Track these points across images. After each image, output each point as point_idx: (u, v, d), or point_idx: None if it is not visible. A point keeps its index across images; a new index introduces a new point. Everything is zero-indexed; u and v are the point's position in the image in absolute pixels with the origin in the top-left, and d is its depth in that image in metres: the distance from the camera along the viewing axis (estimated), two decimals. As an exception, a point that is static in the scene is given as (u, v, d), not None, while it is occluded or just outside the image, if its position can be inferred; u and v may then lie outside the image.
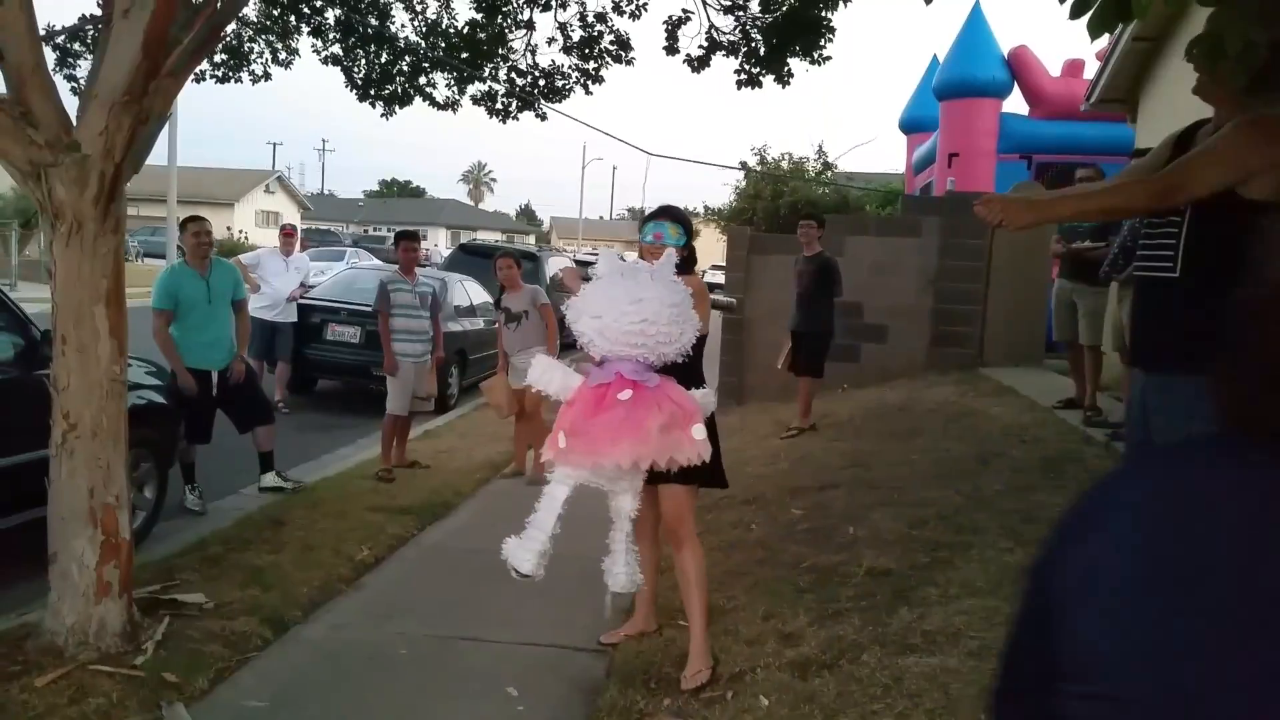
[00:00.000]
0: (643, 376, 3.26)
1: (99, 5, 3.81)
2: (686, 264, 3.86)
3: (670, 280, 3.36)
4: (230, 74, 8.96)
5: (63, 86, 7.63)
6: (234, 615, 4.12)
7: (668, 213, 3.93)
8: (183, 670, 3.61)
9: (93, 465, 3.64)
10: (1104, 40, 9.69)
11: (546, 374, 3.37)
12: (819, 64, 8.28)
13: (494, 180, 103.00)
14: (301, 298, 10.09)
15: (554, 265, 17.29)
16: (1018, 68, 13.96)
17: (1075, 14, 2.37)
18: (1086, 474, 5.24)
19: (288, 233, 10.35)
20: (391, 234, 7.54)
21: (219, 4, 4.12)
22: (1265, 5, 2.17)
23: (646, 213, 3.99)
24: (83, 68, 7.68)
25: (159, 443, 5.51)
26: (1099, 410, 6.87)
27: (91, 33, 7.59)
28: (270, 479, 6.41)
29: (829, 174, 27.52)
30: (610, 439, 3.15)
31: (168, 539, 5.30)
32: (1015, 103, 14.28)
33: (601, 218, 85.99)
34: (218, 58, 8.73)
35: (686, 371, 3.58)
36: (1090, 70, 12.06)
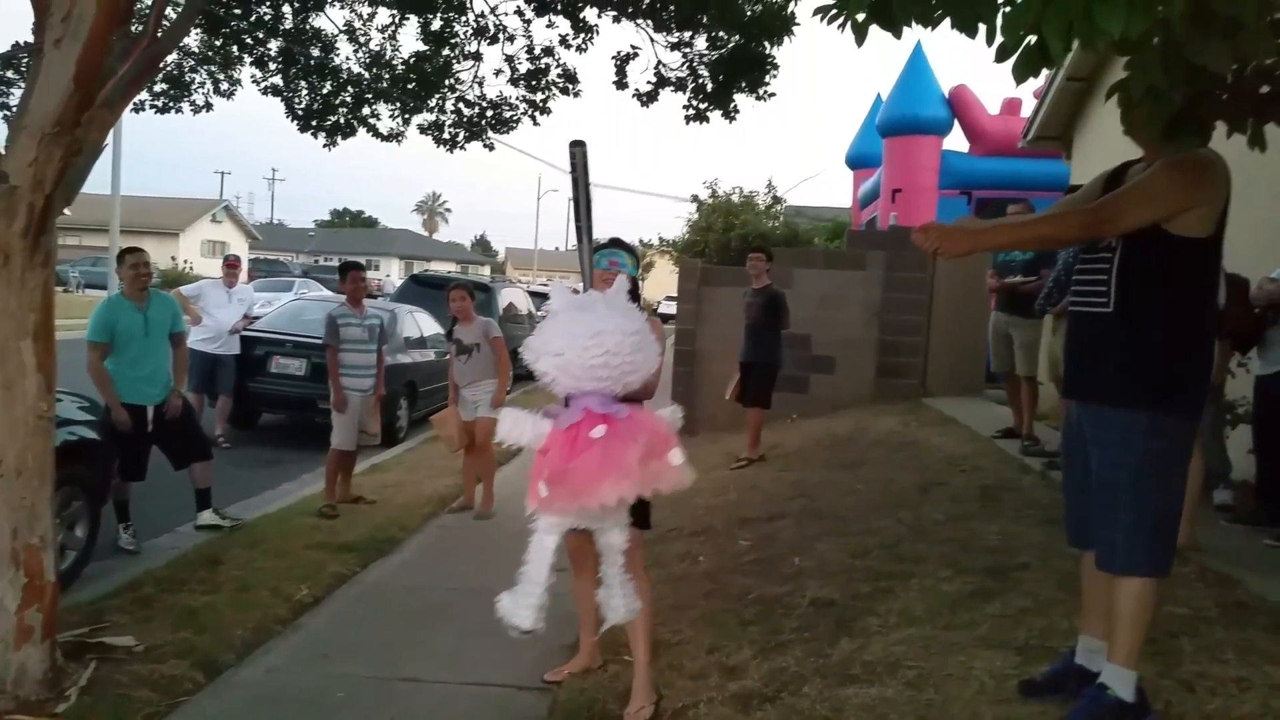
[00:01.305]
0: (611, 409, 3.23)
1: (32, 33, 3.75)
2: (634, 295, 3.88)
3: (626, 307, 3.35)
4: (170, 104, 8.86)
5: (-6, 116, 7.57)
6: (165, 658, 4.01)
7: (619, 243, 3.96)
8: (108, 717, 3.49)
9: (16, 505, 3.53)
10: (1040, 80, 9.99)
11: (517, 427, 3.27)
12: (764, 99, 8.41)
13: (449, 210, 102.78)
14: (245, 329, 9.95)
15: (507, 296, 17.28)
16: (958, 106, 14.29)
17: (1000, 58, 2.43)
18: (1024, 502, 5.33)
19: (231, 264, 10.23)
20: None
21: (158, 35, 4.09)
22: (1169, 58, 2.25)
23: (597, 243, 3.98)
24: (15, 95, 7.56)
25: (91, 480, 5.37)
26: (1036, 440, 7.01)
27: (25, 60, 7.47)
28: (207, 517, 6.28)
29: (779, 207, 27.81)
30: (592, 480, 3.08)
31: (99, 579, 5.15)
32: (956, 140, 14.61)
33: (557, 248, 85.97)
34: (158, 87, 8.63)
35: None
36: (1027, 109, 12.39)
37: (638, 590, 3.72)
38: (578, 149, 3.74)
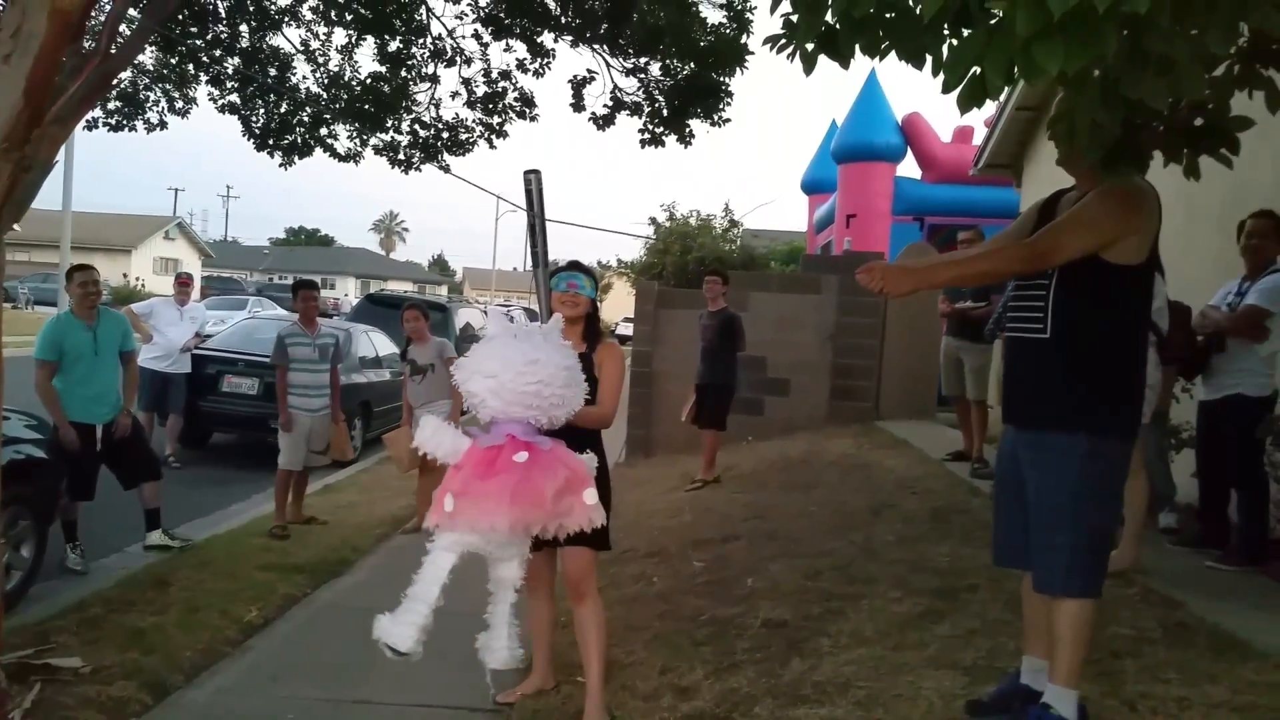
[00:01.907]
0: (534, 439, 3.24)
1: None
2: (594, 318, 3.92)
3: (560, 343, 3.37)
4: (124, 122, 8.78)
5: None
6: (112, 680, 3.95)
7: (578, 266, 3.99)
8: (52, 740, 3.45)
9: (-40, 525, 3.48)
10: (990, 109, 10.21)
11: (436, 436, 3.27)
12: (719, 125, 8.54)
13: (406, 230, 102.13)
14: (197, 348, 9.84)
15: (464, 317, 17.22)
16: (911, 134, 14.56)
17: (946, 90, 2.50)
18: (973, 524, 5.41)
19: (183, 281, 10.13)
20: (297, 283, 7.42)
21: (110, 52, 4.07)
22: (1107, 91, 2.34)
23: (555, 266, 4.01)
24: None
25: (38, 499, 5.28)
26: (985, 462, 7.10)
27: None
28: (156, 537, 6.19)
29: (735, 231, 28.04)
30: (502, 503, 3.07)
31: (45, 600, 5.06)
32: (909, 167, 14.87)
33: (515, 269, 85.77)
34: (112, 105, 8.55)
35: (582, 433, 3.60)
36: (979, 137, 12.64)
37: (591, 610, 3.74)
38: (532, 176, 3.78)
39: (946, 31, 2.49)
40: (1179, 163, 2.86)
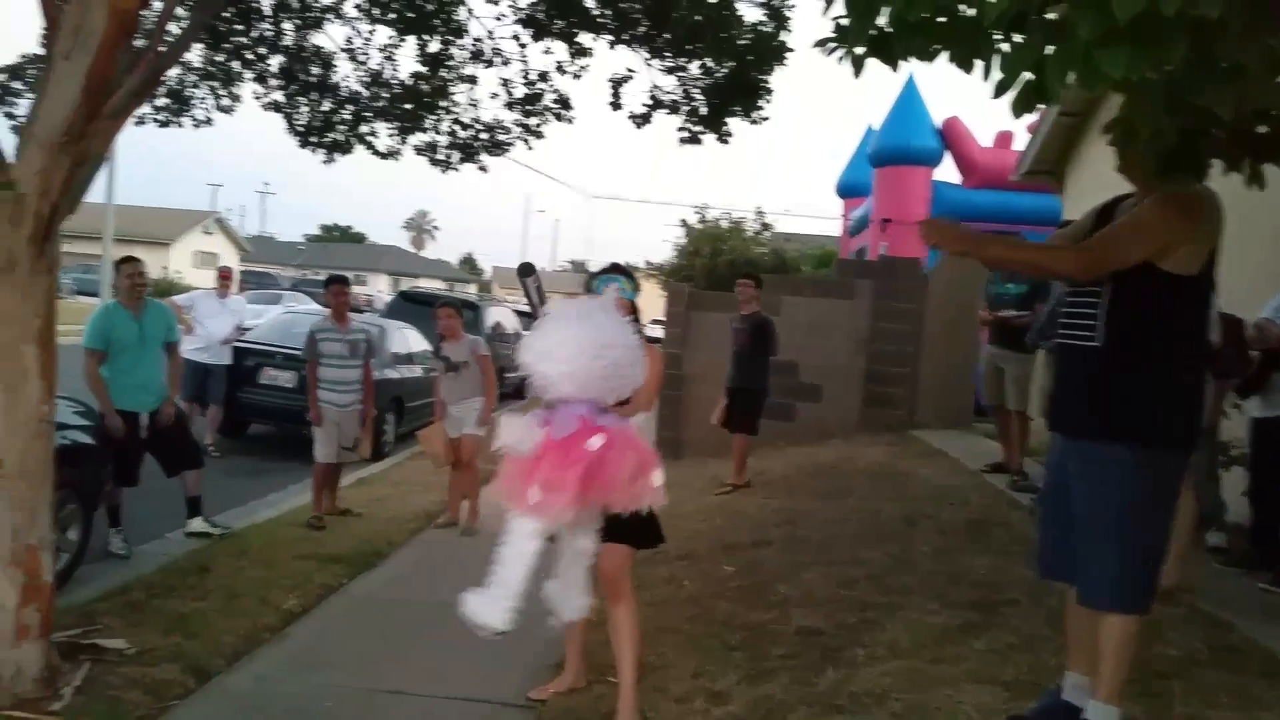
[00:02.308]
0: (603, 420, 3.29)
1: (40, 45, 3.80)
2: (634, 320, 3.94)
3: (622, 320, 3.42)
4: (172, 118, 8.89)
5: (2, 124, 7.60)
6: (156, 662, 4.03)
7: (618, 268, 4.02)
8: (102, 717, 3.52)
9: (17, 506, 3.56)
10: (1033, 114, 10.13)
11: (517, 434, 3.27)
12: (757, 123, 8.51)
13: (437, 228, 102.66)
14: (236, 340, 9.96)
15: (494, 315, 17.30)
16: (950, 138, 14.45)
17: (998, 93, 2.49)
18: (1012, 538, 5.36)
19: (224, 275, 10.26)
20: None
21: (162, 48, 4.14)
22: (1170, 95, 2.31)
23: (593, 268, 4.08)
24: (22, 106, 7.58)
25: (85, 484, 5.37)
26: (1025, 475, 7.03)
27: (31, 71, 7.50)
28: (197, 524, 6.28)
29: (767, 234, 28.00)
30: (584, 489, 3.16)
31: (90, 582, 5.15)
32: (947, 171, 14.75)
33: (544, 269, 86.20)
34: (160, 101, 8.67)
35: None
36: (1020, 142, 12.53)
37: (626, 609, 3.76)
38: (529, 276, 3.88)
39: (999, 36, 2.48)
40: (1240, 171, 2.80)
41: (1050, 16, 2.15)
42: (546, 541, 3.29)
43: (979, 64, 2.51)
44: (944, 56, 2.56)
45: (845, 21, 2.67)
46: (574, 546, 3.42)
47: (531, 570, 3.18)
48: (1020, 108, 2.46)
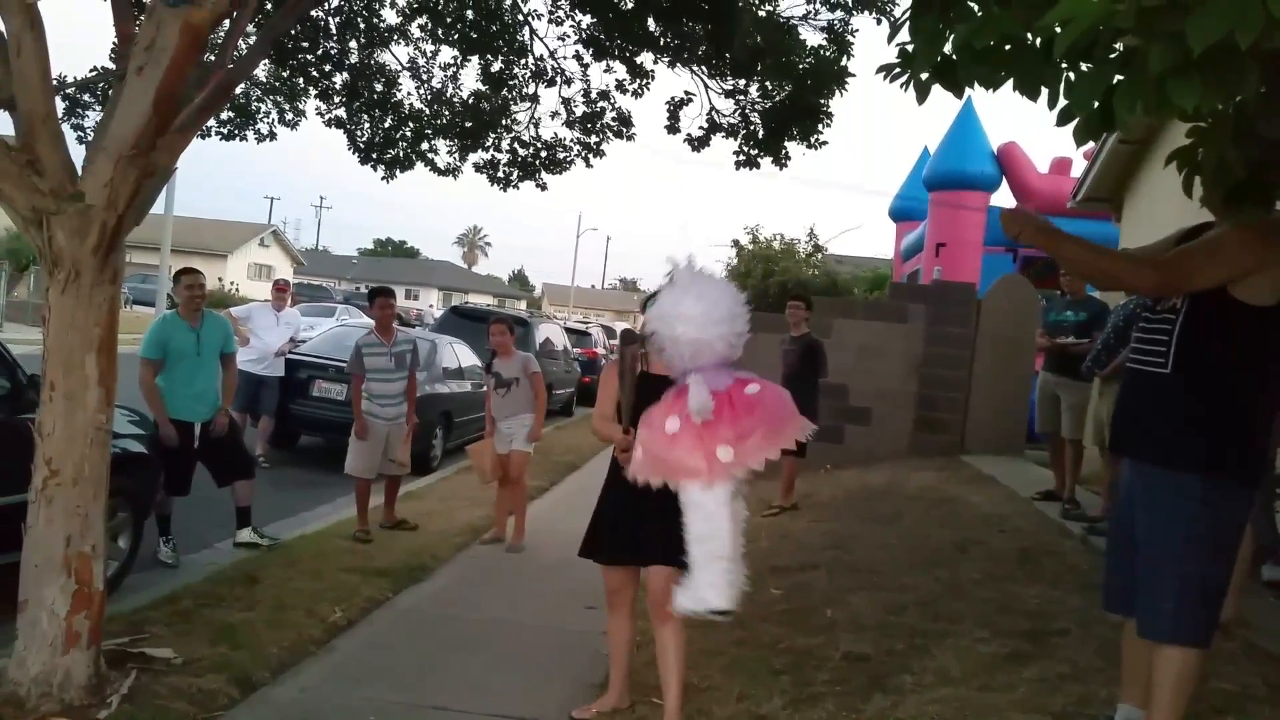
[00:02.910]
0: (738, 374, 3.46)
1: (111, 59, 3.90)
2: None
3: (720, 280, 3.60)
4: (236, 132, 9.08)
5: (70, 136, 7.80)
6: (202, 672, 4.05)
7: None
8: (146, 727, 3.55)
9: (71, 513, 3.61)
10: (1093, 142, 9.99)
11: (704, 398, 3.32)
12: (815, 148, 8.48)
13: (488, 244, 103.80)
14: (290, 353, 10.10)
15: (544, 332, 17.40)
16: (1006, 163, 14.30)
17: (1062, 121, 2.46)
18: (1064, 567, 5.26)
19: (280, 288, 10.41)
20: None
21: (231, 64, 4.23)
22: (1240, 127, 2.26)
23: (643, 286, 4.13)
24: (91, 118, 7.79)
25: (137, 493, 5.46)
26: (1077, 504, 6.92)
27: (102, 85, 7.70)
28: (246, 534, 6.35)
29: (819, 256, 27.86)
30: (780, 421, 3.34)
31: (139, 591, 5.22)
32: (1004, 197, 14.60)
33: (594, 286, 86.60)
34: (224, 115, 8.87)
35: None
36: (1078, 169, 12.37)
37: (673, 630, 3.73)
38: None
39: (1065, 65, 2.45)
40: (1307, 203, 2.76)
41: (1118, 46, 2.12)
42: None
43: (1044, 92, 2.47)
44: (1009, 85, 2.54)
45: (910, 48, 2.65)
46: (735, 511, 3.40)
47: (737, 535, 3.26)
48: (1084, 136, 2.42)
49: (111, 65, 4.00)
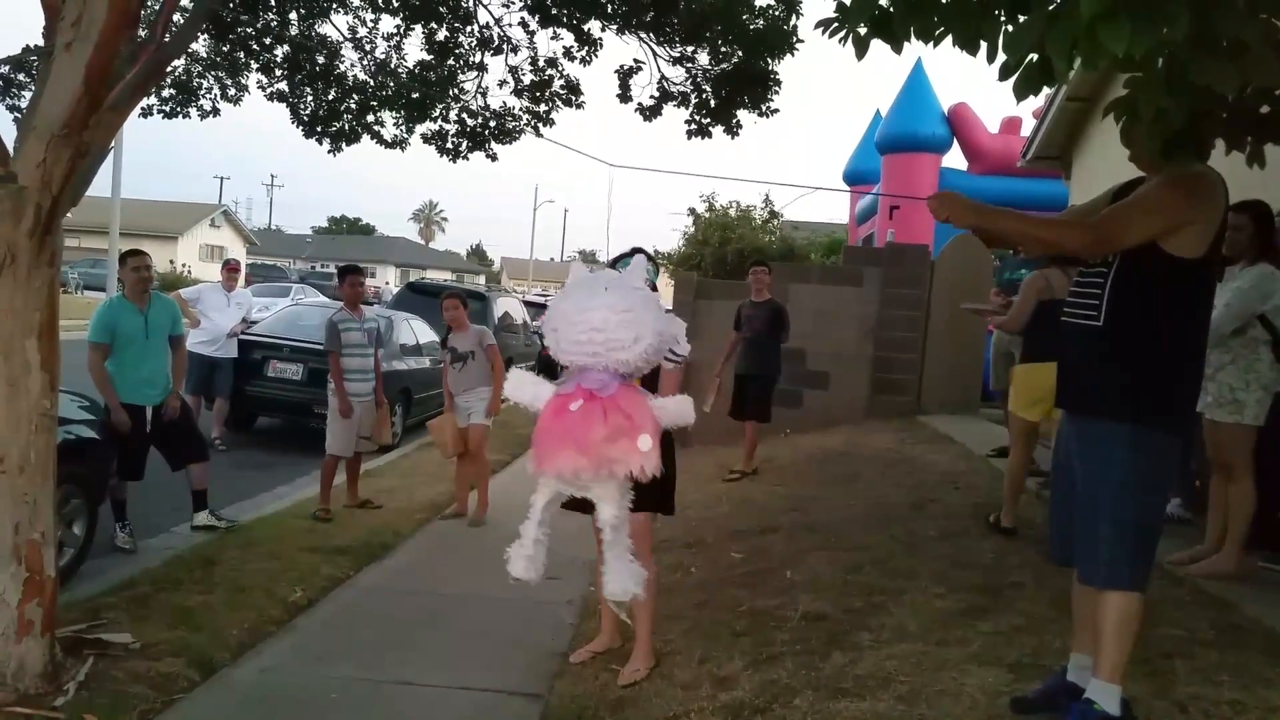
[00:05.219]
0: (600, 385, 3.24)
1: (43, 36, 3.79)
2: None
3: (628, 287, 3.34)
4: (178, 109, 8.89)
5: (5, 116, 7.61)
6: (160, 656, 4.02)
7: (640, 251, 4.02)
8: (105, 712, 3.51)
9: (19, 500, 3.55)
10: (1040, 99, 10.06)
11: (520, 387, 3.37)
12: (766, 115, 8.47)
13: (445, 219, 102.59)
14: (243, 334, 9.97)
15: (503, 306, 17.30)
16: (957, 124, 14.39)
17: (1003, 76, 2.47)
18: (1018, 521, 5.35)
19: (231, 268, 10.25)
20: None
21: (165, 39, 4.12)
22: (1172, 75, 2.28)
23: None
24: (26, 98, 7.59)
25: (90, 479, 5.38)
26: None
27: (35, 63, 7.50)
28: (203, 518, 6.28)
29: (775, 222, 27.93)
30: (552, 449, 3.17)
31: (96, 577, 5.15)
32: (955, 158, 14.70)
33: (553, 259, 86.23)
34: (165, 92, 8.67)
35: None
36: (1027, 128, 12.46)
37: (640, 571, 3.74)
38: None
39: (1003, 17, 2.46)
40: (1241, 150, 2.79)
41: None
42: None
43: (983, 45, 2.48)
44: (948, 38, 2.54)
45: (848, 1, 2.64)
46: (600, 517, 3.34)
47: (539, 523, 3.24)
48: (1024, 89, 2.43)
49: (42, 43, 3.88)
